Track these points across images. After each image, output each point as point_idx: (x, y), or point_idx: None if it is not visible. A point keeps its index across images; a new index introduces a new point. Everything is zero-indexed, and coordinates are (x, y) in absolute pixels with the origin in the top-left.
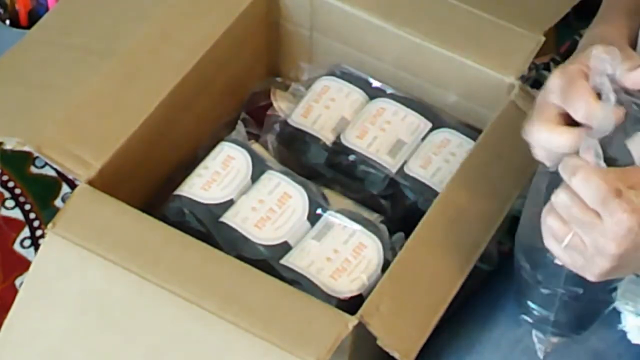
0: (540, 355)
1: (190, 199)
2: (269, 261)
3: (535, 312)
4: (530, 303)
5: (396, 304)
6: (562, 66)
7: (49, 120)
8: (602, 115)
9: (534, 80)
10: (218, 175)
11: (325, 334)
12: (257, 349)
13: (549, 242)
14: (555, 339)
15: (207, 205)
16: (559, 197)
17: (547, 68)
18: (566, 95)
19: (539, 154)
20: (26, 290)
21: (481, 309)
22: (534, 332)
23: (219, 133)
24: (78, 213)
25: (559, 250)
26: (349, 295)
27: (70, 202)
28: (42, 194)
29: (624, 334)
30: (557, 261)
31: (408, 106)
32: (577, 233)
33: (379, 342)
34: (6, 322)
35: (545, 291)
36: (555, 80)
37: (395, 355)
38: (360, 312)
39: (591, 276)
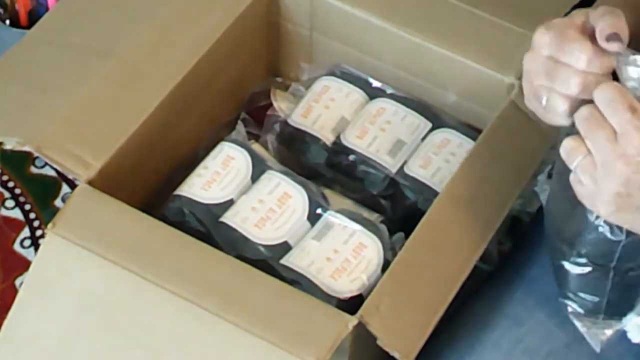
0: (598, 349)
1: (190, 199)
2: (269, 261)
3: (586, 301)
4: (580, 294)
5: (396, 304)
6: (545, 23)
7: (49, 120)
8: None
9: None
10: (218, 175)
11: (325, 334)
12: (257, 349)
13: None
14: (607, 330)
15: (207, 205)
16: (580, 111)
17: None
18: (561, 47)
19: (556, 103)
20: (26, 290)
21: (481, 309)
22: (583, 329)
23: (219, 133)
24: (78, 213)
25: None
26: (349, 295)
27: (70, 202)
28: (42, 194)
29: (624, 333)
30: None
31: (408, 106)
32: (590, 151)
33: (379, 342)
34: (6, 322)
35: (593, 274)
36: (543, 36)
37: (396, 355)
38: (360, 312)
39: (600, 205)
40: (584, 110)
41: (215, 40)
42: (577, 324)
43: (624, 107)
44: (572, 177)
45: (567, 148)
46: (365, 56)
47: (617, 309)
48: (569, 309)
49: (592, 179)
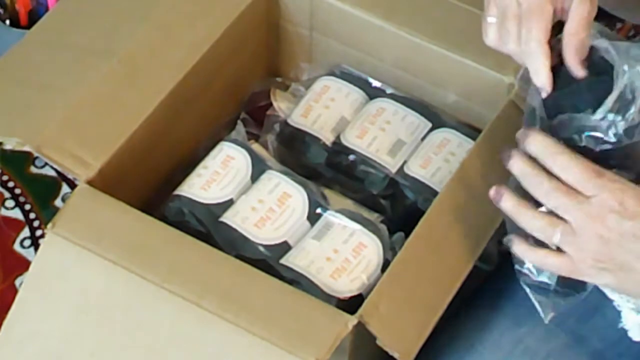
0: (546, 320)
1: (189, 199)
2: (268, 261)
3: (533, 276)
4: (529, 266)
5: (396, 303)
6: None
7: (49, 120)
8: None
9: None
10: (218, 175)
11: (325, 333)
12: (256, 349)
13: (542, 253)
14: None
15: (206, 205)
16: (545, 183)
17: None
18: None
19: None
20: (26, 290)
21: (481, 309)
22: (535, 297)
23: (219, 133)
24: (78, 213)
25: (556, 260)
26: (348, 295)
27: (70, 202)
28: (42, 194)
29: (624, 332)
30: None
31: (408, 106)
32: (565, 220)
33: (378, 342)
34: (6, 322)
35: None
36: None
37: (395, 355)
38: (360, 311)
39: (589, 271)
40: (550, 186)
41: (215, 40)
42: (530, 293)
43: (593, 174)
44: (545, 261)
45: (541, 225)
46: (365, 56)
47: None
48: (524, 278)
49: (575, 247)
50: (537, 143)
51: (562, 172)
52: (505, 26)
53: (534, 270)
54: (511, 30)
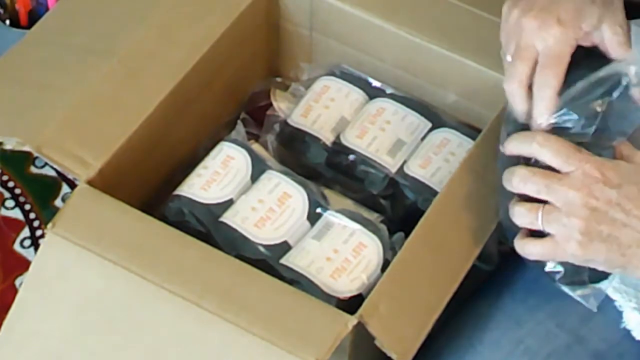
0: (595, 309)
1: (189, 199)
2: (268, 261)
3: (566, 268)
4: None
5: (396, 303)
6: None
7: (49, 120)
8: None
9: None
10: (218, 175)
11: (325, 333)
12: (256, 349)
13: (525, 241)
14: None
15: (206, 205)
16: (518, 172)
17: None
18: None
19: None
20: (26, 290)
21: (481, 309)
22: (575, 292)
23: (219, 133)
24: (78, 213)
25: (537, 245)
26: (348, 295)
27: (70, 202)
28: (42, 194)
29: (625, 333)
30: None
31: (408, 106)
32: (546, 202)
33: (376, 342)
34: (6, 322)
35: None
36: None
37: (392, 355)
38: (359, 311)
39: (573, 244)
40: (523, 170)
41: (215, 40)
42: (569, 291)
43: (572, 149)
44: (528, 249)
45: (522, 211)
46: (365, 56)
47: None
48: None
49: (558, 224)
50: (515, 137)
51: (542, 148)
52: (516, 65)
53: (559, 267)
54: (521, 71)
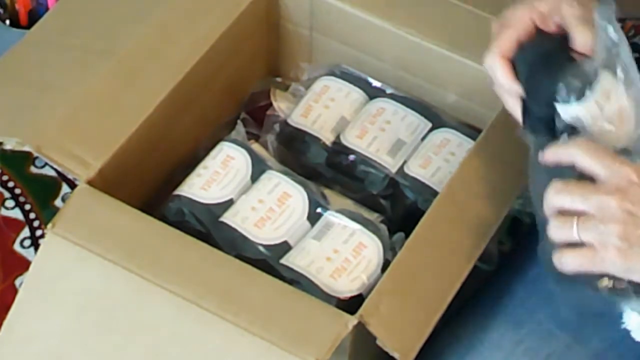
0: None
1: (189, 199)
2: (268, 261)
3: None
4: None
5: (396, 303)
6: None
7: (49, 120)
8: None
9: None
10: (218, 175)
11: (325, 333)
12: (256, 349)
13: (562, 252)
14: None
15: (206, 205)
16: (552, 185)
17: None
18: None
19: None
20: (26, 290)
21: (482, 309)
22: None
23: (219, 133)
24: (78, 213)
25: (574, 254)
26: (348, 295)
27: (70, 202)
28: (42, 194)
29: (625, 333)
30: None
31: (408, 106)
32: (582, 210)
33: (378, 342)
34: (6, 322)
35: None
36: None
37: (395, 355)
38: (360, 311)
39: (613, 251)
40: (558, 184)
41: (215, 40)
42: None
43: (604, 153)
44: (566, 260)
45: (557, 224)
46: (365, 56)
47: None
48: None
49: (595, 232)
50: (555, 145)
51: (581, 152)
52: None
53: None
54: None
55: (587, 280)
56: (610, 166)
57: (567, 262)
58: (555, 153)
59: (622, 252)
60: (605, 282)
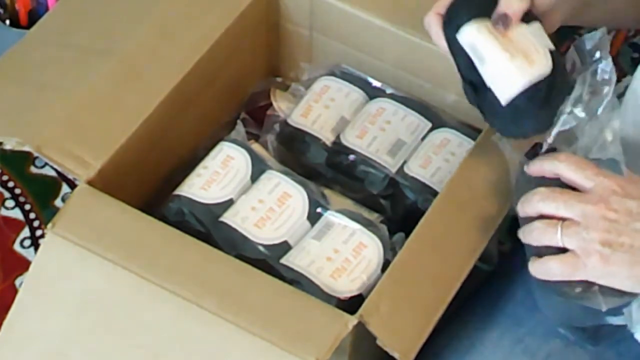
0: None
1: (189, 199)
2: (268, 261)
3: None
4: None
5: (396, 303)
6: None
7: (49, 120)
8: None
9: None
10: (217, 175)
11: (325, 333)
12: (256, 349)
13: (544, 259)
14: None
15: (206, 205)
16: (537, 191)
17: None
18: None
19: None
20: (26, 290)
21: (481, 309)
22: (614, 319)
23: (219, 133)
24: (78, 213)
25: (557, 261)
26: (349, 295)
27: (70, 202)
28: (42, 194)
29: (624, 333)
30: None
31: (408, 106)
32: (566, 217)
33: (378, 342)
34: (6, 322)
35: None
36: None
37: (395, 355)
38: (360, 311)
39: (594, 257)
40: (542, 190)
41: (215, 40)
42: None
43: (586, 165)
44: (548, 267)
45: (541, 227)
46: (365, 56)
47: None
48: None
49: (578, 237)
50: (539, 158)
51: (564, 165)
52: None
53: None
54: None
55: (558, 287)
56: (593, 178)
57: (550, 267)
58: (540, 167)
59: (604, 258)
60: (579, 289)
